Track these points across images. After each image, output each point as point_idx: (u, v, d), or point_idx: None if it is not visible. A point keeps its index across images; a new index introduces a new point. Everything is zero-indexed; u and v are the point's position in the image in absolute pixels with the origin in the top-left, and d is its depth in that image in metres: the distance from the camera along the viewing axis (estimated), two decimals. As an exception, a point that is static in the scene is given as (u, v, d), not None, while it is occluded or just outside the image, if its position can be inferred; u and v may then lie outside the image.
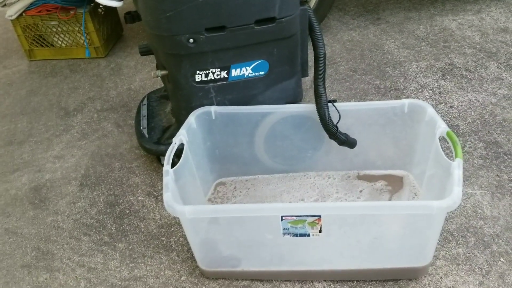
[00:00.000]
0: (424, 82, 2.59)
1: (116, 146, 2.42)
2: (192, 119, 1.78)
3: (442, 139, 1.61)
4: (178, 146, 1.66)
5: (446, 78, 2.60)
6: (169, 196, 1.45)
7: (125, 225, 1.97)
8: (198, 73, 1.76)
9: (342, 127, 1.82)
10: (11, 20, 3.18)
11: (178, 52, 1.70)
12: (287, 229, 1.48)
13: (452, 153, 1.50)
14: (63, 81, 3.07)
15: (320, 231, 1.47)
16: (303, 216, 1.44)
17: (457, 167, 1.42)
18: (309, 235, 1.49)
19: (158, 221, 1.96)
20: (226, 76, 1.78)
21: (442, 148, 1.59)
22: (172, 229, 1.91)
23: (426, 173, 1.75)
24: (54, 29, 3.19)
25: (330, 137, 1.80)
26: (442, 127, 1.59)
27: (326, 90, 1.77)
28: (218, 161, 1.97)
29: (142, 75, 3.00)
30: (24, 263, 1.87)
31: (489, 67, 2.65)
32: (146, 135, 2.12)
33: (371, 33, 3.14)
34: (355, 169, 2.00)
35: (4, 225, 2.05)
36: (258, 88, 1.85)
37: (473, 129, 2.22)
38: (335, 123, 1.78)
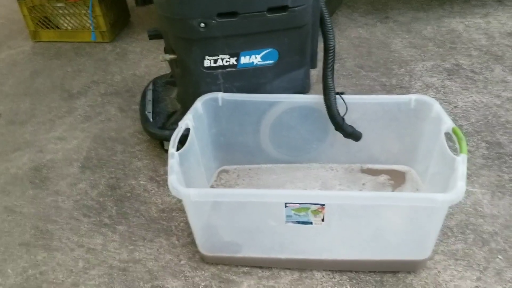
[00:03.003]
0: (430, 81, 2.60)
1: (119, 130, 2.41)
2: (198, 105, 1.78)
3: (447, 136, 1.61)
4: (183, 131, 1.66)
5: (452, 78, 2.61)
6: (174, 179, 1.46)
7: (125, 208, 1.97)
8: (207, 59, 1.76)
9: (348, 121, 1.82)
10: (18, 1, 3.17)
11: (189, 36, 1.70)
12: (290, 216, 1.48)
13: (455, 151, 1.50)
14: (67, 64, 3.06)
15: (322, 220, 1.48)
16: (307, 204, 1.44)
17: (461, 162, 1.43)
18: (311, 223, 1.50)
19: (160, 206, 1.96)
20: (235, 63, 1.78)
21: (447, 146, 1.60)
22: (173, 214, 1.92)
23: (430, 169, 1.76)
24: (61, 11, 3.18)
25: (336, 129, 1.80)
26: (448, 123, 1.60)
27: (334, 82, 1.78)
28: (222, 148, 1.98)
29: (147, 61, 2.99)
30: (22, 241, 1.87)
31: (495, 69, 2.66)
32: (151, 119, 2.12)
33: (379, 31, 3.15)
34: (358, 163, 2.01)
35: (3, 203, 2.04)
36: (266, 76, 1.85)
37: (476, 129, 2.23)
38: (342, 115, 1.78)
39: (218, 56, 1.76)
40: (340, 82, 2.63)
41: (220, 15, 1.65)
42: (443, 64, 2.73)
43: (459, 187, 1.36)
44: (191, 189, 1.44)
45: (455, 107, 2.39)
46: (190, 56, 1.76)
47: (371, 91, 2.55)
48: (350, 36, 3.10)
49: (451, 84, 2.56)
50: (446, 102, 2.42)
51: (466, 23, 3.15)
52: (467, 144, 2.02)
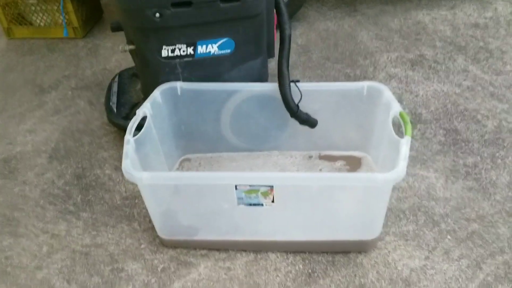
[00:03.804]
0: (393, 72, 2.66)
1: (87, 122, 2.46)
2: (157, 93, 1.83)
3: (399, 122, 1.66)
4: (142, 120, 1.71)
5: (415, 69, 2.67)
6: (128, 163, 1.50)
7: (90, 196, 2.01)
8: (165, 48, 1.80)
9: (308, 111, 1.87)
10: (-9, -2, 3.20)
11: (144, 26, 1.74)
12: (242, 198, 1.53)
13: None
14: (40, 60, 3.09)
15: (273, 201, 1.53)
16: (256, 185, 1.49)
17: (405, 143, 1.48)
18: (262, 205, 1.55)
19: (123, 194, 2.01)
20: (192, 52, 1.83)
21: (399, 131, 1.63)
22: (136, 201, 1.96)
23: (381, 154, 1.81)
24: (33, 8, 3.21)
25: (291, 116, 1.85)
26: (395, 108, 1.65)
27: (296, 75, 1.82)
28: (183, 137, 2.02)
29: (118, 56, 3.03)
30: (-11, 229, 1.91)
31: (457, 59, 2.72)
32: (115, 110, 2.16)
33: (347, 24, 3.20)
34: (317, 150, 2.06)
35: (-29, 193, 2.08)
36: (224, 66, 1.89)
37: (435, 117, 2.29)
38: (296, 102, 1.83)
39: (175, 45, 1.80)
40: (306, 73, 2.68)
41: (174, 4, 1.69)
42: (407, 55, 2.80)
43: (400, 166, 1.41)
44: (144, 172, 1.49)
45: (416, 96, 2.45)
46: (147, 46, 1.80)
47: (335, 82, 2.59)
48: (318, 29, 3.16)
49: (414, 74, 2.62)
50: (407, 92, 2.48)
51: (433, 15, 3.21)
52: (422, 133, 2.10)
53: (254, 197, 1.53)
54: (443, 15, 3.20)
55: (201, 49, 1.83)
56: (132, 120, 1.66)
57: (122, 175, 2.02)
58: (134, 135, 1.63)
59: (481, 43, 2.86)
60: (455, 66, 2.67)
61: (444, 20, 3.15)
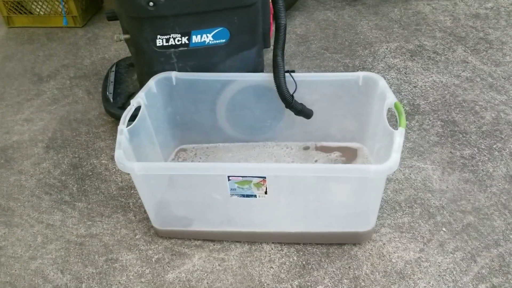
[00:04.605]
0: (392, 62, 2.64)
1: (85, 112, 2.45)
2: (152, 83, 1.82)
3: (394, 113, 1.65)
4: (137, 109, 1.70)
5: (414, 59, 2.65)
6: (121, 153, 1.50)
7: (86, 186, 2.01)
8: (159, 38, 1.79)
9: (305, 102, 1.86)
10: (-10, -14, 3.19)
11: (138, 15, 1.73)
12: (234, 189, 1.53)
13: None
14: (39, 49, 3.09)
15: (265, 193, 1.52)
16: (248, 176, 1.48)
17: (399, 135, 1.47)
18: (255, 196, 1.54)
19: (119, 184, 2.01)
20: (187, 42, 1.82)
21: (395, 122, 1.62)
22: (132, 191, 1.96)
23: (376, 145, 1.80)
24: (33, -4, 3.21)
25: (286, 106, 1.84)
26: (390, 99, 1.64)
27: (295, 65, 1.80)
28: (179, 127, 2.02)
29: (117, 45, 3.03)
30: (-16, 218, 1.92)
31: (457, 50, 2.70)
32: (111, 100, 2.16)
33: (347, 14, 3.18)
34: (314, 141, 2.05)
35: (-33, 182, 2.09)
36: (219, 56, 1.88)
37: (433, 108, 2.28)
38: (292, 92, 1.82)
39: (170, 35, 1.79)
40: (304, 63, 2.66)
41: (168, -7, 1.68)
42: (406, 46, 2.78)
43: (393, 158, 1.40)
44: (136, 163, 1.49)
45: (415, 87, 2.43)
46: (142, 35, 1.79)
47: (334, 72, 2.58)
48: (318, 19, 3.14)
49: (413, 64, 2.61)
50: (406, 82, 2.46)
51: (433, 5, 3.19)
52: (420, 125, 2.09)
53: (247, 188, 1.52)
54: (443, 5, 3.18)
55: (195, 39, 1.82)
56: (126, 110, 1.66)
57: (118, 165, 2.05)
58: (128, 125, 1.62)
59: (481, 34, 2.84)
60: (454, 57, 2.65)
61: (444, 10, 3.12)
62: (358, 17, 3.12)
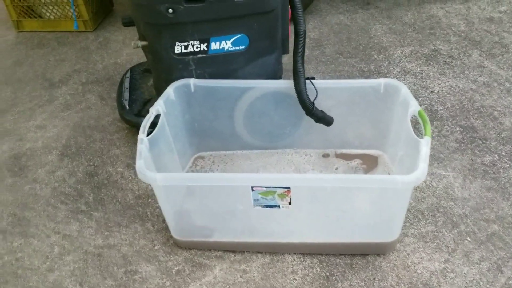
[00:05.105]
0: (408, 67, 2.61)
1: (98, 118, 2.43)
2: (170, 91, 1.80)
3: (414, 120, 1.63)
4: (156, 117, 1.68)
5: (429, 64, 2.63)
6: (142, 164, 1.47)
7: (102, 195, 1.99)
8: (178, 45, 1.76)
9: (322, 107, 1.83)
10: (0, -10, 3.17)
11: (157, 22, 1.70)
12: (258, 200, 1.50)
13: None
14: (50, 53, 3.07)
15: (289, 203, 1.50)
16: (273, 187, 1.46)
17: (425, 144, 1.44)
18: (279, 206, 1.51)
19: (136, 192, 1.98)
20: (205, 49, 1.79)
21: (415, 129, 1.61)
22: (149, 200, 1.94)
23: (399, 153, 1.78)
24: (43, 0, 3.18)
25: (307, 114, 1.81)
26: (414, 107, 1.61)
27: (309, 71, 1.78)
28: (197, 134, 1.99)
29: (129, 49, 3.00)
30: None
31: (472, 55, 2.67)
32: (127, 107, 2.13)
33: (360, 18, 3.16)
34: (332, 148, 2.03)
35: (-19, 191, 2.06)
36: (238, 62, 1.86)
37: (451, 114, 2.25)
38: (312, 100, 1.79)
39: (188, 42, 1.76)
40: (319, 68, 2.64)
41: (187, 0, 1.65)
42: (421, 50, 2.75)
43: (421, 168, 1.38)
44: (158, 173, 1.46)
45: (432, 92, 2.40)
46: (160, 42, 1.77)
47: (349, 77, 2.56)
48: (331, 22, 3.11)
49: (429, 69, 2.58)
50: (423, 87, 2.44)
51: (447, 8, 3.16)
52: (439, 131, 2.06)
53: (270, 198, 1.49)
54: (457, 9, 3.15)
55: (214, 46, 1.80)
56: (145, 118, 1.64)
57: (135, 173, 2.02)
58: (147, 133, 1.59)
59: (496, 38, 2.81)
60: (470, 61, 2.62)
61: (458, 14, 3.09)
62: (371, 21, 3.09)
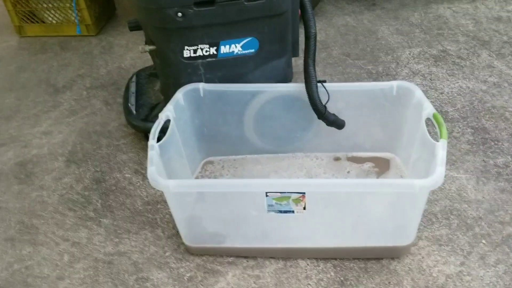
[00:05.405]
0: (416, 68, 2.59)
1: (104, 123, 2.40)
2: (179, 96, 1.77)
3: (429, 122, 1.61)
4: (165, 122, 1.65)
5: (438, 64, 2.60)
6: (153, 170, 1.45)
7: (110, 201, 1.96)
8: (187, 49, 1.74)
9: (333, 110, 1.81)
10: (2, -4, 3.15)
11: (166, 26, 1.68)
12: (272, 205, 1.48)
13: (437, 136, 1.49)
14: (53, 58, 3.04)
15: (304, 208, 1.47)
16: (287, 192, 1.43)
17: (441, 147, 1.42)
18: (293, 212, 1.49)
19: (145, 198, 1.95)
20: (215, 52, 1.77)
21: (428, 132, 1.59)
22: (158, 206, 1.91)
23: (412, 156, 1.75)
24: (45, 5, 3.16)
25: (319, 117, 1.79)
26: (428, 109, 1.59)
27: (317, 73, 1.76)
28: (206, 139, 1.97)
29: (133, 53, 2.98)
30: (8, 236, 1.86)
31: (481, 55, 2.65)
32: (134, 112, 2.11)
33: (366, 19, 3.13)
34: (343, 151, 2.00)
35: (-12, 199, 2.04)
36: (248, 66, 1.84)
37: (462, 115, 2.23)
38: (324, 103, 1.77)
39: (198, 46, 1.74)
40: (327, 70, 2.62)
41: (197, 3, 1.63)
42: (429, 51, 2.73)
43: (438, 172, 1.36)
44: (170, 180, 1.44)
45: (441, 93, 2.38)
46: (169, 46, 1.74)
47: (357, 79, 2.54)
48: (337, 24, 3.09)
49: (438, 70, 2.56)
50: (432, 89, 2.41)
51: (454, 8, 3.14)
52: (450, 132, 2.04)
53: (285, 204, 1.47)
54: (464, 8, 3.13)
55: (224, 49, 1.78)
56: (155, 124, 1.61)
57: (143, 178, 2.01)
58: (158, 138, 1.57)
59: (505, 38, 2.79)
60: (479, 61, 2.60)
61: (465, 13, 3.07)
62: (378, 22, 3.07)
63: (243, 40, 1.77)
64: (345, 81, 2.52)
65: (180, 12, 1.63)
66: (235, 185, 1.50)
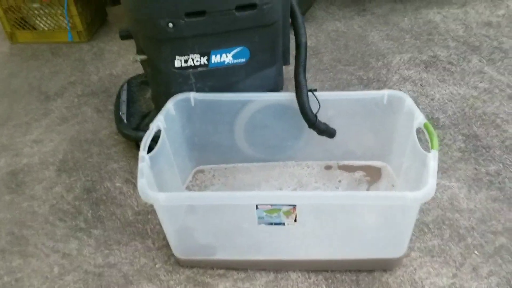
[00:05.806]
0: (407, 74, 2.59)
1: (95, 131, 2.39)
2: (170, 105, 1.76)
3: (420, 131, 1.60)
4: (156, 133, 1.64)
5: (429, 70, 2.60)
6: (144, 183, 1.43)
7: (101, 211, 1.95)
8: (178, 59, 1.73)
9: (324, 118, 1.81)
10: (-7, 2, 3.12)
11: (157, 36, 1.67)
12: (262, 218, 1.47)
13: (429, 145, 1.49)
14: (44, 65, 3.02)
15: (295, 221, 1.47)
16: (278, 205, 1.43)
17: (432, 158, 1.42)
18: (284, 224, 1.48)
19: (135, 208, 1.94)
20: (206, 62, 1.76)
21: (420, 140, 1.59)
22: (149, 216, 1.90)
23: (403, 165, 1.75)
24: (36, 12, 3.14)
25: (310, 126, 1.79)
26: (419, 119, 1.59)
27: (308, 79, 1.76)
28: (197, 148, 1.96)
29: (124, 60, 2.96)
30: (-2, 247, 1.85)
31: (472, 60, 2.65)
32: (125, 120, 2.10)
33: (356, 24, 3.13)
34: (335, 159, 2.00)
35: (-22, 209, 2.02)
36: (238, 75, 1.83)
37: (453, 122, 2.23)
38: (315, 112, 1.76)
39: (189, 55, 1.73)
40: (318, 76, 2.61)
41: (188, 14, 1.62)
42: (420, 56, 2.73)
43: (430, 184, 1.35)
44: (160, 193, 1.43)
45: (432, 99, 2.38)
46: (160, 56, 1.73)
47: (348, 85, 2.53)
48: (328, 29, 3.09)
49: (428, 76, 2.56)
50: (423, 95, 2.41)
51: (444, 13, 3.14)
52: (441, 139, 2.04)
53: (275, 216, 1.46)
54: (454, 13, 3.13)
55: (215, 59, 1.77)
56: (146, 135, 1.60)
57: (133, 188, 2.00)
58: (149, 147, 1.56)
59: (495, 43, 2.79)
60: (470, 67, 2.60)
61: (455, 19, 3.07)
62: (368, 27, 3.06)
63: (234, 50, 1.76)
64: (336, 87, 2.51)
65: (171, 22, 1.62)
66: (226, 198, 1.49)
